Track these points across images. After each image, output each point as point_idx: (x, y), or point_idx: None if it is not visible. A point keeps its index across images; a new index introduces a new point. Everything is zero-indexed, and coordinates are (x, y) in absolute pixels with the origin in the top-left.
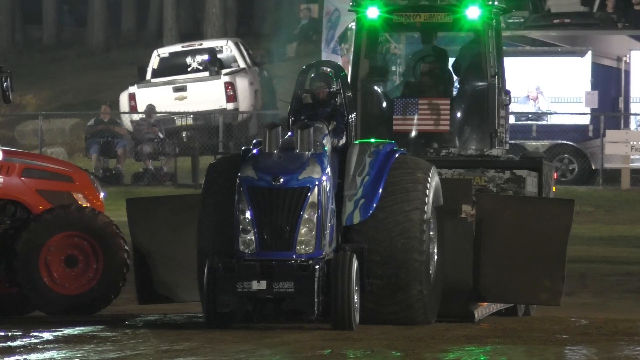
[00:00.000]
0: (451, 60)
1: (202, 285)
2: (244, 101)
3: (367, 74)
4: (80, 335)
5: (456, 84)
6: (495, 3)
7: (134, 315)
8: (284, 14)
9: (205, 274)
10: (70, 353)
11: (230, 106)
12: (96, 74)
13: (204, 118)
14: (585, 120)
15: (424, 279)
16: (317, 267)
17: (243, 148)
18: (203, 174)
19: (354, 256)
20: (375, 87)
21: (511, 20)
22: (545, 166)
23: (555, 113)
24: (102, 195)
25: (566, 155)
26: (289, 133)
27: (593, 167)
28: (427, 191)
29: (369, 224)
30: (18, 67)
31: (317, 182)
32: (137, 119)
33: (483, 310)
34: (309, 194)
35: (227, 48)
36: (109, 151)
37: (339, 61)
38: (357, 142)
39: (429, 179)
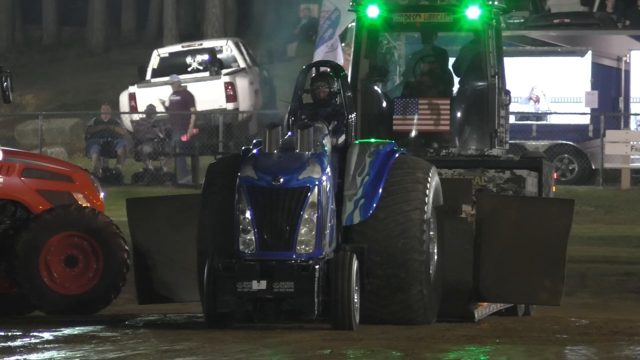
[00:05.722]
0: (451, 60)
1: (202, 285)
2: (244, 101)
3: (367, 74)
4: (80, 335)
5: (456, 84)
6: (495, 3)
7: (134, 315)
8: (284, 14)
9: (205, 274)
10: (70, 353)
11: (230, 106)
12: (96, 74)
13: (204, 118)
14: (585, 120)
15: (424, 279)
16: (317, 267)
17: (243, 148)
18: (203, 174)
19: (354, 256)
20: (375, 87)
21: (511, 20)
22: (545, 166)
23: (556, 113)
24: (102, 195)
25: (566, 155)
26: (289, 133)
27: (593, 167)
28: (427, 191)
29: (369, 224)
30: (18, 67)
31: (317, 182)
32: (137, 119)
33: (483, 310)
34: (309, 194)
35: (227, 48)
36: (109, 151)
37: (340, 61)
38: (357, 142)
39: (429, 179)
